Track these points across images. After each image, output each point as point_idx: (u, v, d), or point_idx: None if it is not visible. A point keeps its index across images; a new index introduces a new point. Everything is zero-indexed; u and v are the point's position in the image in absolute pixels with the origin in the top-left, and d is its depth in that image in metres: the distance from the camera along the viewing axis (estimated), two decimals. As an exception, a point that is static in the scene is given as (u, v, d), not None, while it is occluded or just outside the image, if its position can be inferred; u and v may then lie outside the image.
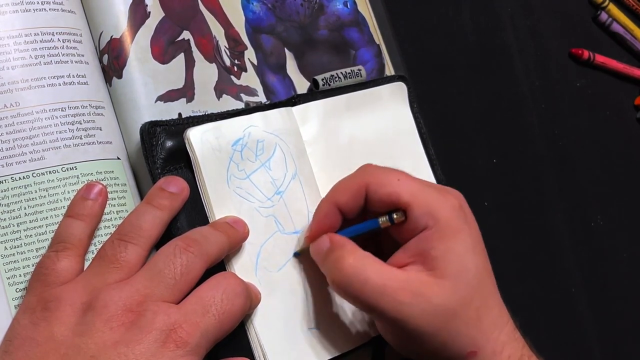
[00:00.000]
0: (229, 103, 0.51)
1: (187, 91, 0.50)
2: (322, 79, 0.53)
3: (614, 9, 0.76)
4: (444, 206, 0.45)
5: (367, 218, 0.46)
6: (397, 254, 0.45)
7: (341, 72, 0.54)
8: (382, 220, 0.45)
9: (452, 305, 0.43)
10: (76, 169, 0.45)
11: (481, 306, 0.45)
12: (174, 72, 0.50)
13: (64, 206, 0.44)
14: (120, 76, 0.48)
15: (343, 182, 0.47)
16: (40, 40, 0.47)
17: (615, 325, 0.68)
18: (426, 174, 0.56)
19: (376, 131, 0.54)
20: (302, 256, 0.48)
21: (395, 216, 0.45)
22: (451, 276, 0.44)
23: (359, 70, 0.55)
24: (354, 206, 0.46)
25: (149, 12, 0.50)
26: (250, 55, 0.54)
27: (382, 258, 0.45)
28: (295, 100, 0.51)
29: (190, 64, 0.51)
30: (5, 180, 0.44)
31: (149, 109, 0.48)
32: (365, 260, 0.44)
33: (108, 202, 0.45)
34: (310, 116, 0.51)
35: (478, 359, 0.44)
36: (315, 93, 0.53)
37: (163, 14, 0.51)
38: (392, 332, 0.45)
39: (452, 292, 0.43)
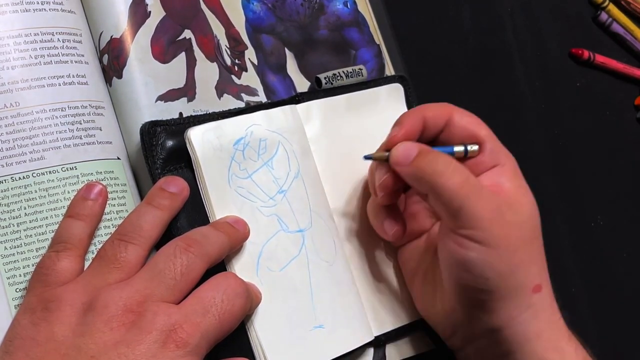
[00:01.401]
0: (229, 103, 0.51)
1: (188, 90, 0.50)
2: (325, 78, 0.53)
3: (614, 9, 0.76)
4: (510, 154, 0.48)
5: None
6: None
7: (343, 71, 0.54)
8: (458, 149, 0.47)
9: (531, 230, 0.46)
10: (76, 169, 0.45)
11: (541, 248, 0.47)
12: (174, 72, 0.50)
13: (64, 206, 0.44)
14: (120, 76, 0.48)
15: (430, 104, 0.49)
16: (40, 40, 0.47)
17: (615, 325, 0.68)
18: None
19: (375, 131, 0.54)
20: (304, 255, 0.48)
21: (470, 148, 0.47)
22: (525, 208, 0.46)
23: (360, 69, 0.55)
24: (437, 124, 0.48)
25: (150, 12, 0.50)
26: (250, 55, 0.54)
27: None
28: (298, 98, 0.51)
29: (191, 63, 0.51)
30: (5, 180, 0.44)
31: (149, 109, 0.48)
32: (460, 164, 0.45)
33: (108, 202, 0.45)
34: (313, 114, 0.51)
35: (540, 296, 0.46)
36: (317, 91, 0.53)
37: (164, 14, 0.51)
38: (469, 246, 0.44)
39: (530, 217, 0.46)
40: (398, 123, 0.48)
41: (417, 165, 0.45)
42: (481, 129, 0.48)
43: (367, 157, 0.48)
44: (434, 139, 0.49)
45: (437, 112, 0.48)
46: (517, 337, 0.46)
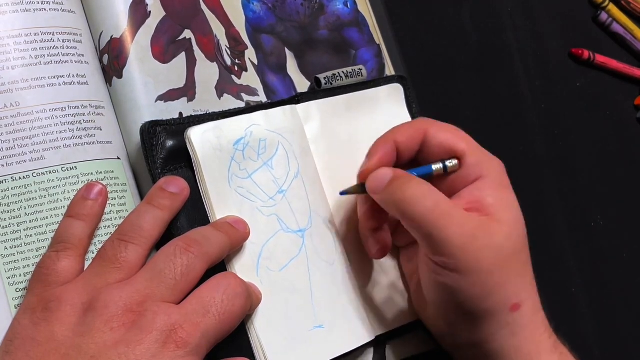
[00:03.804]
0: (229, 102, 0.51)
1: (188, 90, 0.50)
2: (325, 78, 0.53)
3: (614, 9, 0.76)
4: (494, 162, 0.47)
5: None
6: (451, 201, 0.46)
7: (343, 72, 0.54)
8: (437, 167, 0.46)
9: (508, 250, 0.44)
10: (76, 168, 0.45)
11: (526, 262, 0.46)
12: (174, 72, 0.50)
13: (64, 206, 0.44)
14: (120, 76, 0.48)
15: (402, 125, 0.48)
16: (40, 40, 0.47)
17: (615, 325, 0.68)
18: None
19: (374, 131, 0.54)
20: (303, 255, 0.48)
21: (449, 164, 0.46)
22: (507, 223, 0.45)
23: (360, 69, 0.55)
24: (411, 148, 0.47)
25: (150, 12, 0.50)
26: (250, 55, 0.54)
27: None
28: (298, 98, 0.51)
29: (191, 63, 0.51)
30: (5, 180, 0.44)
31: (149, 109, 0.48)
32: (434, 188, 0.44)
33: (108, 202, 0.45)
34: (313, 114, 0.51)
35: (519, 313, 0.45)
36: (317, 92, 0.53)
37: (164, 14, 0.51)
38: (443, 267, 0.44)
39: (508, 237, 0.44)
40: (369, 154, 0.47)
41: (388, 192, 0.45)
42: (459, 143, 0.46)
43: (342, 193, 0.48)
44: (413, 159, 0.48)
45: (409, 134, 0.47)
46: (496, 352, 0.46)
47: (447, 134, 0.47)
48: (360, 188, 0.47)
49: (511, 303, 0.45)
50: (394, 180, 0.45)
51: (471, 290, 0.44)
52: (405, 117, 0.56)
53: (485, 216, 0.45)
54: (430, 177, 0.46)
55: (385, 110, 0.55)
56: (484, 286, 0.44)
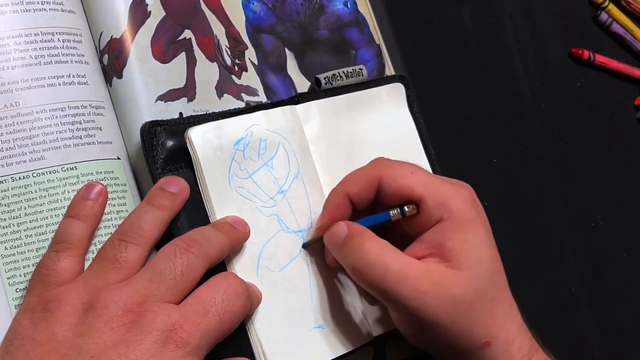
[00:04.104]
0: (229, 102, 0.51)
1: (188, 90, 0.50)
2: (325, 78, 0.53)
3: (614, 9, 0.76)
4: (458, 198, 0.45)
5: (377, 210, 0.46)
6: (412, 247, 0.45)
7: (343, 71, 0.54)
8: (394, 212, 0.45)
9: (470, 296, 0.44)
10: (76, 169, 0.45)
11: (495, 297, 0.45)
12: (174, 72, 0.50)
13: (64, 206, 0.44)
14: (120, 76, 0.48)
15: (355, 173, 0.47)
16: (40, 40, 0.46)
17: (615, 325, 0.68)
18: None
19: (375, 132, 0.54)
20: (304, 256, 0.48)
21: (407, 209, 0.45)
22: (468, 267, 0.44)
23: (360, 69, 0.55)
24: (366, 197, 0.46)
25: (150, 12, 0.50)
26: (250, 55, 0.54)
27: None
28: (297, 98, 0.51)
29: (191, 63, 0.51)
30: (5, 180, 0.44)
31: (149, 109, 0.48)
32: (386, 248, 0.44)
33: (108, 202, 0.45)
34: (312, 115, 0.51)
35: (492, 349, 0.45)
36: (317, 92, 0.53)
37: (164, 14, 0.51)
38: (408, 321, 0.45)
39: (469, 283, 0.44)
40: (324, 206, 0.47)
41: (341, 254, 0.45)
42: (416, 189, 0.45)
43: (304, 245, 0.48)
44: (371, 203, 0.47)
45: (362, 185, 0.46)
46: None
47: (402, 182, 0.45)
48: (320, 240, 0.47)
49: (481, 342, 0.44)
50: (347, 241, 0.44)
51: (435, 339, 0.45)
52: (407, 116, 0.56)
53: (445, 264, 0.44)
54: (389, 223, 0.45)
55: (386, 110, 0.55)
56: (447, 335, 0.44)
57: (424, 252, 0.45)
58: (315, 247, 0.49)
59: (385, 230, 0.47)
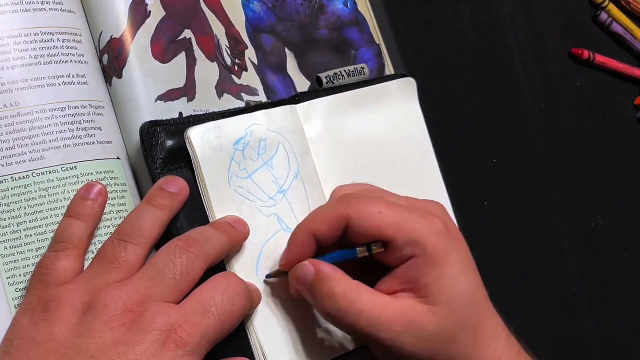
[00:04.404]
0: (230, 102, 0.51)
1: (188, 90, 0.50)
2: (326, 77, 0.53)
3: (614, 9, 0.76)
4: (430, 232, 0.44)
5: (343, 243, 0.45)
6: (385, 280, 0.44)
7: (344, 70, 0.54)
8: (360, 250, 0.44)
9: (448, 331, 0.43)
10: (76, 169, 0.45)
11: (476, 324, 0.44)
12: (174, 72, 0.50)
13: (64, 206, 0.44)
14: (120, 76, 0.48)
15: (322, 211, 0.46)
16: (40, 40, 0.46)
17: (615, 325, 0.68)
18: (434, 172, 0.56)
19: (384, 128, 0.54)
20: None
21: (374, 248, 0.44)
22: (445, 302, 0.43)
23: (362, 68, 0.55)
24: (332, 237, 0.45)
25: (150, 12, 0.50)
26: (250, 54, 0.54)
27: (365, 280, 0.44)
28: (298, 98, 0.51)
29: (191, 63, 0.51)
30: (5, 180, 0.44)
31: (149, 109, 0.48)
32: (358, 291, 0.43)
33: (108, 202, 0.45)
34: (313, 114, 0.51)
35: None
36: (318, 91, 0.53)
37: (164, 14, 0.51)
38: (388, 357, 0.45)
39: (447, 318, 0.43)
40: (289, 243, 0.45)
41: (312, 296, 0.44)
42: (385, 230, 0.43)
43: (268, 276, 0.46)
44: (337, 240, 0.45)
45: (329, 225, 0.44)
46: None
47: (371, 223, 0.43)
48: (285, 274, 0.46)
49: None
50: (316, 285, 0.43)
51: None
52: (417, 112, 0.56)
53: (421, 300, 0.43)
54: (356, 259, 0.44)
55: (395, 105, 0.55)
56: None
57: (397, 287, 0.44)
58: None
59: (358, 260, 0.46)
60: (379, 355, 0.46)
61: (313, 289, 0.44)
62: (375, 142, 0.53)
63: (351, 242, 0.45)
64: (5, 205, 0.43)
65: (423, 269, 0.43)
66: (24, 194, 0.44)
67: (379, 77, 0.56)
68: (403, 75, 0.57)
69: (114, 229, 0.45)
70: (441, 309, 0.43)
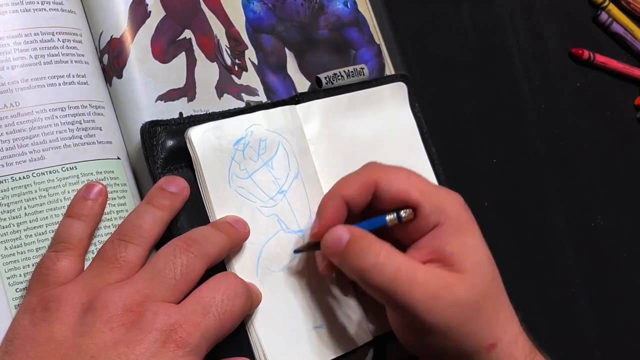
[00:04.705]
0: (229, 102, 0.51)
1: (188, 90, 0.50)
2: (326, 77, 0.53)
3: (614, 9, 0.76)
4: (453, 203, 0.45)
5: (368, 217, 0.46)
6: (409, 253, 0.45)
7: (344, 71, 0.54)
8: (390, 217, 0.44)
9: (475, 299, 0.44)
10: (76, 168, 0.45)
11: (497, 299, 0.45)
12: (174, 72, 0.50)
13: (64, 206, 0.44)
14: (120, 76, 0.48)
15: (351, 176, 0.46)
16: (40, 40, 0.46)
17: (615, 325, 0.68)
18: (427, 173, 0.56)
19: (377, 130, 0.54)
20: (304, 256, 0.48)
21: (403, 214, 0.44)
22: (470, 270, 0.44)
23: (362, 68, 0.55)
24: (362, 201, 0.45)
25: (150, 12, 0.50)
26: (250, 54, 0.54)
27: None
28: (298, 98, 0.51)
29: (191, 63, 0.51)
30: (5, 180, 0.44)
31: (149, 109, 0.48)
32: (394, 250, 0.43)
33: (108, 202, 0.45)
34: (313, 115, 0.51)
35: (497, 351, 0.45)
36: (318, 91, 0.53)
37: (164, 14, 0.51)
38: (410, 325, 0.44)
39: (474, 286, 0.44)
40: (319, 211, 0.46)
41: (345, 258, 0.43)
42: (413, 193, 0.44)
43: (296, 251, 0.47)
44: (366, 207, 0.46)
45: (358, 187, 0.45)
46: None
47: (398, 185, 0.45)
48: (315, 246, 0.45)
49: (487, 344, 0.44)
50: (351, 244, 0.43)
51: (442, 344, 0.44)
52: (409, 115, 0.56)
53: (447, 268, 0.44)
54: (385, 227, 0.45)
55: (388, 109, 0.55)
56: (454, 339, 0.44)
57: (423, 259, 0.44)
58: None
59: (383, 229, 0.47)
60: (398, 324, 0.45)
61: (347, 250, 0.43)
62: (370, 143, 0.53)
63: (378, 212, 0.45)
64: (5, 205, 0.43)
65: (447, 237, 0.44)
66: (24, 194, 0.44)
67: (375, 79, 0.56)
68: (403, 76, 0.57)
69: (114, 229, 0.44)
70: (468, 276, 0.44)
